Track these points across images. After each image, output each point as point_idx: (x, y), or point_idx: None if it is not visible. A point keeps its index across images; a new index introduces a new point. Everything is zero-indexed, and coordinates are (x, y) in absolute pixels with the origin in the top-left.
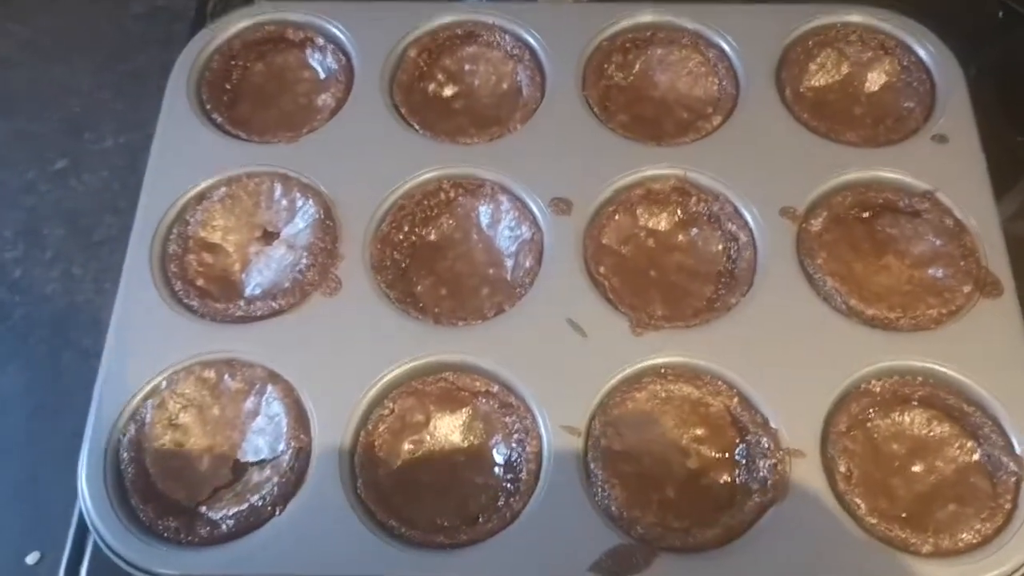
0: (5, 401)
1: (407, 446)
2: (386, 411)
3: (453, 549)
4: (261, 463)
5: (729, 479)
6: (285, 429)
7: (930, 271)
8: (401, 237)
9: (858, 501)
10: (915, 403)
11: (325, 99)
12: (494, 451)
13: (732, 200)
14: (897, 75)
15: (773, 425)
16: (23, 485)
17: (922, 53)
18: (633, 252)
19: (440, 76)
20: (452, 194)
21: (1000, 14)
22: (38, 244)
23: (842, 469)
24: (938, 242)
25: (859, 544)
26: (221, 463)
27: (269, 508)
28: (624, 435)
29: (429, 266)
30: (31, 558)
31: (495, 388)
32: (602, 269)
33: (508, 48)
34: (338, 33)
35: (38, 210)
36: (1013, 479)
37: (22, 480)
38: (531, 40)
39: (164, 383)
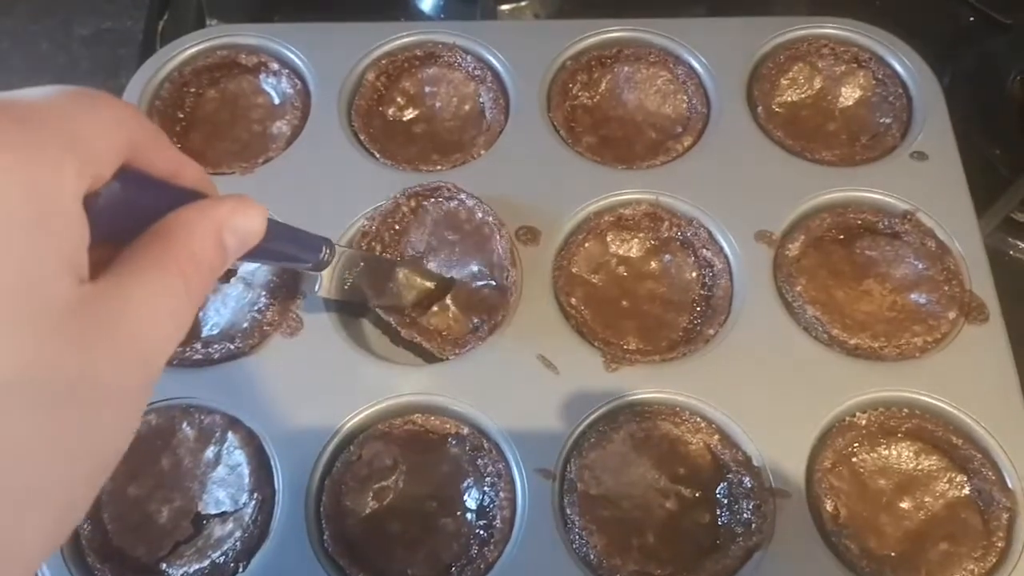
0: None
1: (375, 493)
2: (352, 457)
3: None
4: (223, 515)
5: (711, 521)
6: (247, 479)
7: (913, 296)
8: None
9: (847, 543)
10: (902, 436)
11: (280, 126)
12: (466, 497)
13: (706, 225)
14: (872, 89)
15: (756, 463)
16: None
17: (897, 66)
18: (604, 281)
19: (399, 99)
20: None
21: (971, 19)
22: None
23: (829, 508)
24: (920, 265)
25: None
26: (181, 516)
27: (232, 565)
28: (601, 478)
29: None
30: None
31: (465, 430)
32: (573, 300)
33: (470, 69)
34: (293, 57)
35: None
36: (1006, 515)
37: None
38: (493, 60)
39: None
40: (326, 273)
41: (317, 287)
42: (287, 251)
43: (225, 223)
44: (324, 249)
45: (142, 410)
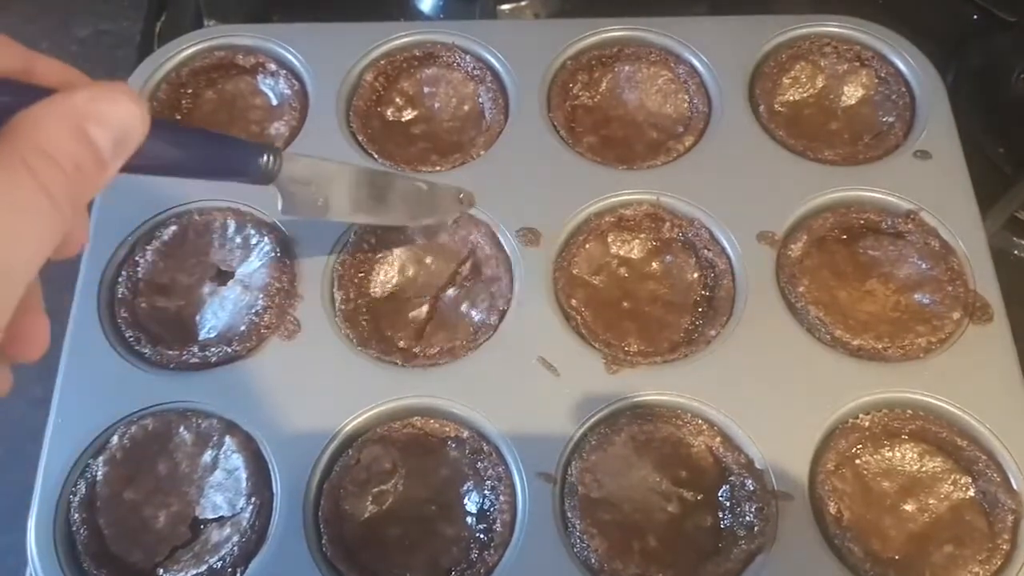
0: None
1: (374, 497)
2: (351, 461)
3: None
4: (220, 520)
5: (713, 524)
6: (245, 484)
7: (916, 296)
8: (361, 275)
9: (851, 546)
10: (906, 437)
11: (278, 127)
12: (466, 500)
13: (707, 225)
14: (875, 87)
15: (758, 466)
16: None
17: (900, 64)
18: (606, 282)
19: (398, 100)
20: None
21: (975, 17)
22: None
23: (832, 511)
24: (924, 265)
25: None
26: (178, 521)
27: (230, 570)
28: (602, 481)
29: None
30: None
31: (465, 433)
32: (574, 301)
33: (469, 69)
34: (291, 57)
35: None
36: (1011, 517)
37: None
38: (493, 60)
39: (116, 437)
40: (281, 187)
41: (279, 205)
42: (214, 159)
43: (85, 113)
44: (266, 157)
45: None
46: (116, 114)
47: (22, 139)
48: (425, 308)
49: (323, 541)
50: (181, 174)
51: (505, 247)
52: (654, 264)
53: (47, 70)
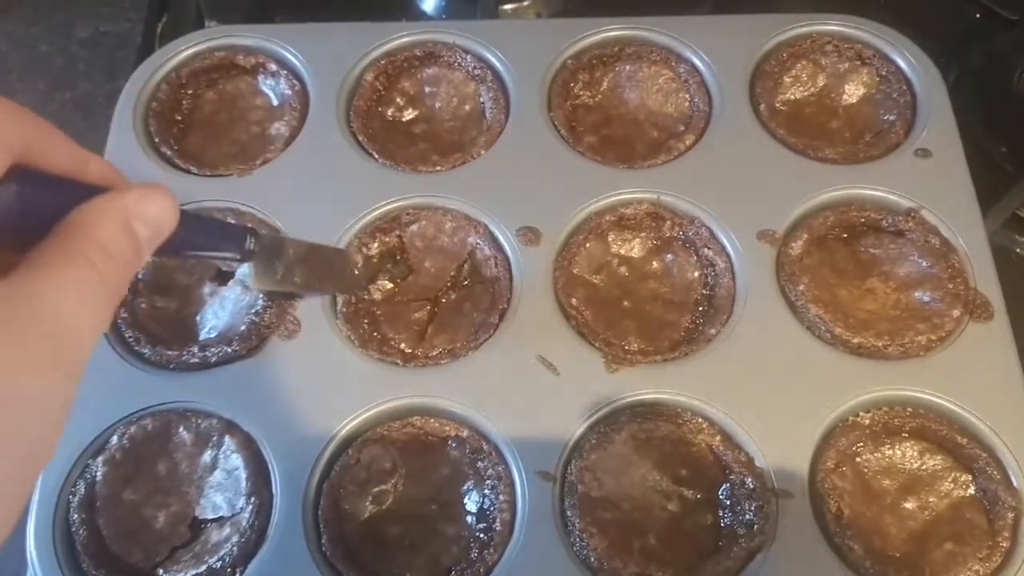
0: None
1: (374, 497)
2: (351, 460)
3: None
4: (220, 520)
5: (713, 522)
6: (244, 484)
7: (917, 294)
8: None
9: (851, 543)
10: (906, 435)
11: (279, 127)
12: (466, 500)
13: (708, 224)
14: (876, 86)
15: (758, 464)
16: None
17: (901, 62)
18: (606, 281)
19: (399, 99)
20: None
21: (977, 16)
22: None
23: (832, 508)
24: (924, 263)
25: None
26: (178, 521)
27: (229, 570)
28: (602, 480)
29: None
30: None
31: (465, 432)
32: (574, 301)
33: (470, 69)
34: (291, 57)
35: None
36: (1011, 515)
37: None
38: (494, 60)
39: (115, 438)
40: (256, 264)
41: (250, 280)
42: (208, 243)
43: (133, 212)
44: (249, 239)
45: (67, 405)
46: (156, 212)
47: (82, 235)
48: (426, 310)
49: (323, 541)
50: (178, 255)
51: (504, 247)
52: (654, 263)
53: (98, 169)
